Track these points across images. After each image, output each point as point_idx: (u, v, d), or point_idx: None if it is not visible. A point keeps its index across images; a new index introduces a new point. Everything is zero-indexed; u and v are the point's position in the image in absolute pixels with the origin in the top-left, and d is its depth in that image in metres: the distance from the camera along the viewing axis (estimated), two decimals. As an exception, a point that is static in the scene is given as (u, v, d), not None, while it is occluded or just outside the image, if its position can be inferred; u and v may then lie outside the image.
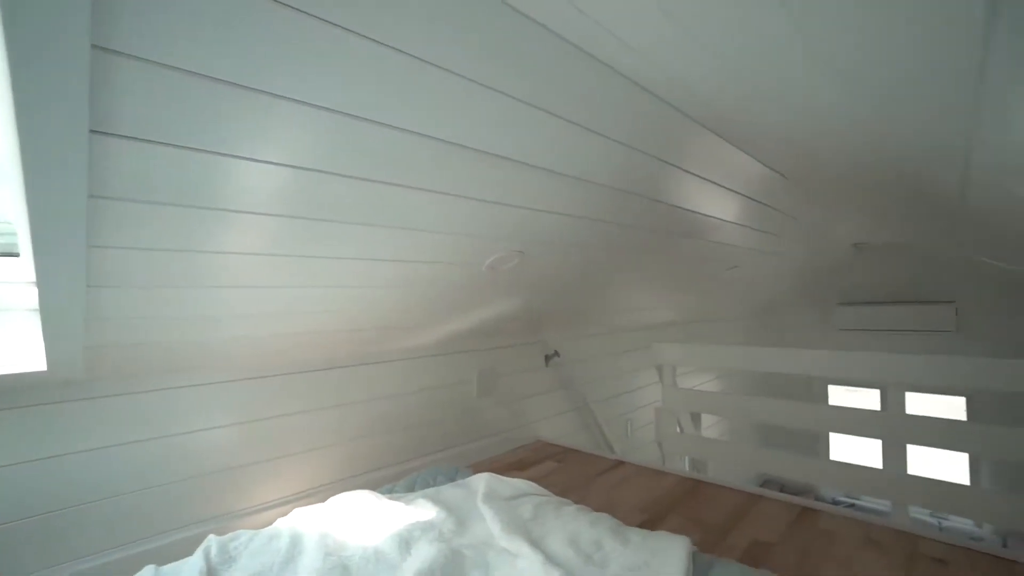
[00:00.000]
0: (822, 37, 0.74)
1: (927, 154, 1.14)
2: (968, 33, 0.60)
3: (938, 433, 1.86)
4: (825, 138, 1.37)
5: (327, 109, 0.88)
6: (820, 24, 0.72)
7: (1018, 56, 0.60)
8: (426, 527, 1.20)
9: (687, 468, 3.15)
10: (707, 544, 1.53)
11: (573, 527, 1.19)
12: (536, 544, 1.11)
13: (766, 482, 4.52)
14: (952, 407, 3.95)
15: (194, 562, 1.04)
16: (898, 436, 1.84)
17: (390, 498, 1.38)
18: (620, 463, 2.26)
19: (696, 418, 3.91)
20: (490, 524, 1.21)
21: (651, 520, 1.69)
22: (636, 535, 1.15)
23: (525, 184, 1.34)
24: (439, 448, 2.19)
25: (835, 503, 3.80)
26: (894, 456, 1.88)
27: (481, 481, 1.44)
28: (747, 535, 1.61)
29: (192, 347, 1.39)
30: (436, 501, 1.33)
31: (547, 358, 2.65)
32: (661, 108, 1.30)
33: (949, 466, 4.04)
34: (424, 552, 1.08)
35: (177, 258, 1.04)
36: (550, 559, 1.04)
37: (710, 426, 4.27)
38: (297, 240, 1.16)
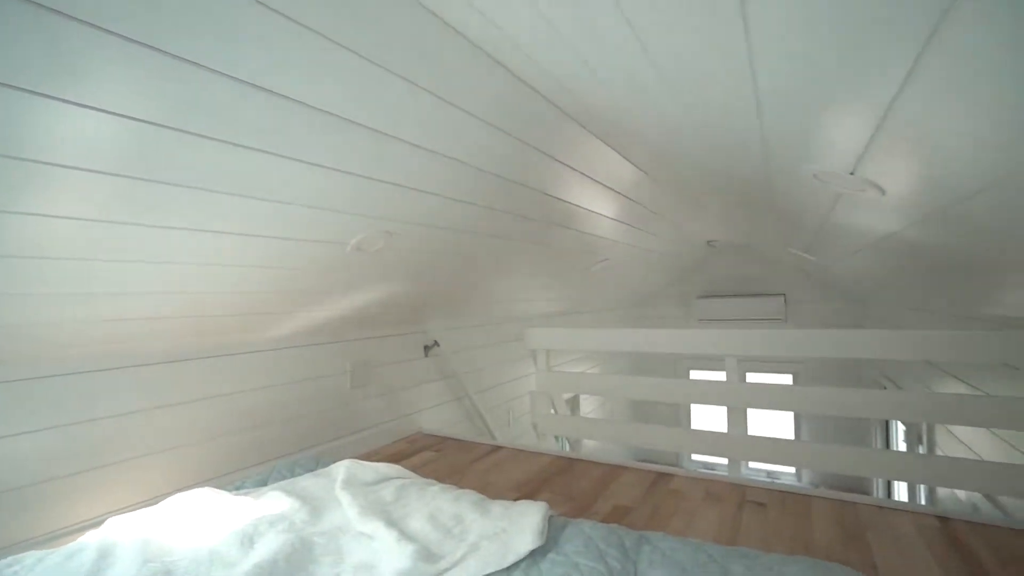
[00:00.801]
0: (657, 41, 0.81)
1: (738, 151, 1.30)
2: (732, 32, 0.69)
3: (769, 396, 2.15)
4: (673, 140, 1.50)
5: (175, 56, 0.77)
6: (650, 25, 0.78)
7: (779, 48, 0.71)
8: (275, 520, 1.10)
9: (567, 448, 3.31)
10: (574, 512, 1.61)
11: (435, 505, 1.17)
12: (394, 524, 1.07)
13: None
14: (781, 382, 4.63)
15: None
16: (740, 402, 2.09)
17: (237, 494, 1.25)
18: (498, 448, 2.29)
19: (574, 402, 4.12)
20: (347, 510, 1.14)
21: (523, 497, 1.73)
22: (498, 507, 1.17)
23: (395, 159, 1.30)
24: (311, 444, 2.04)
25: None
26: (737, 420, 2.14)
27: (341, 468, 1.37)
28: (610, 502, 1.72)
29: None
30: (290, 492, 1.23)
31: (427, 348, 2.60)
32: (535, 99, 1.34)
33: (780, 427, 4.72)
34: (268, 545, 0.99)
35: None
36: (405, 536, 1.01)
37: (592, 410, 4.54)
38: (130, 205, 0.99)
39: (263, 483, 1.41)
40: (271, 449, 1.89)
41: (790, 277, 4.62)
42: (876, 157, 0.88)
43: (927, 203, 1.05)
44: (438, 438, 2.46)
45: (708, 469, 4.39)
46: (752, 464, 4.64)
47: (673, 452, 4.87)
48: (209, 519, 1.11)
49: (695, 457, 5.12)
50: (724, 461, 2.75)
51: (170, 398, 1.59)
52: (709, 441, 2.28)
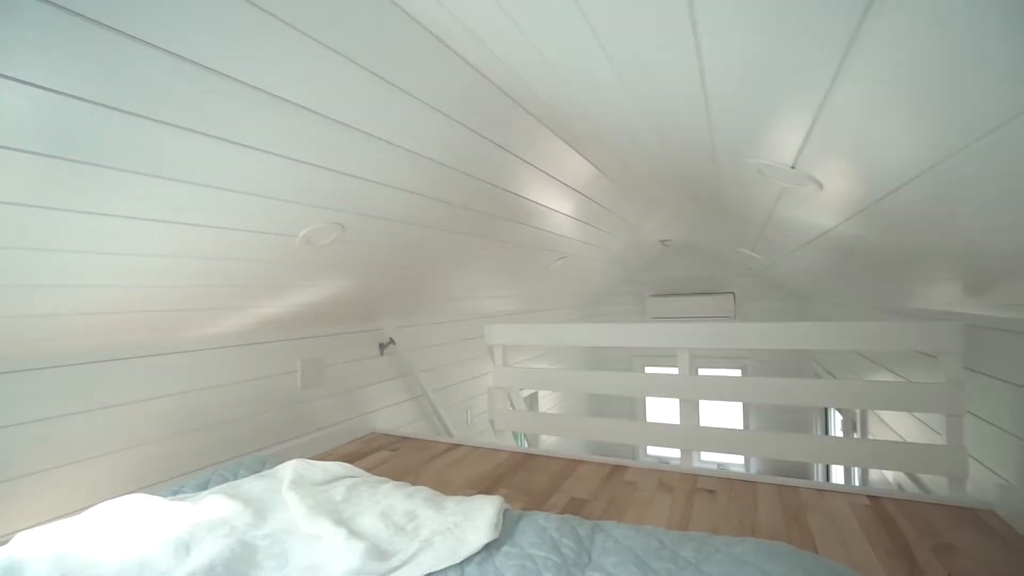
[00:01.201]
0: (613, 38, 0.82)
1: (689, 146, 1.33)
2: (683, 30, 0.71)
3: (719, 388, 2.23)
4: (628, 138, 1.52)
5: (110, 28, 0.71)
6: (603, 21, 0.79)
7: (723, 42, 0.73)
8: (215, 524, 1.04)
9: (524, 444, 3.31)
10: (531, 506, 1.61)
11: (387, 503, 1.14)
12: (343, 523, 1.03)
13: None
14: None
15: None
16: (691, 394, 2.15)
17: (173, 500, 1.17)
18: (455, 446, 2.26)
19: (533, 400, 4.14)
20: (294, 511, 1.09)
21: (480, 493, 1.72)
22: (452, 502, 1.15)
23: (348, 148, 1.25)
24: (258, 447, 1.95)
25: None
26: (689, 412, 2.20)
27: (288, 468, 1.31)
28: (566, 495, 1.73)
29: None
30: (232, 495, 1.16)
31: (382, 346, 2.54)
32: (494, 93, 1.33)
33: (729, 419, 4.91)
34: (206, 551, 0.93)
35: None
36: (355, 534, 0.97)
37: (551, 407, 4.57)
38: (57, 188, 0.91)
39: (203, 487, 1.33)
40: (214, 453, 1.79)
41: (739, 276, 4.82)
42: (813, 151, 0.93)
43: (859, 197, 1.12)
44: (394, 437, 2.41)
45: (663, 461, 4.53)
46: (704, 455, 4.80)
47: (629, 446, 4.99)
48: (139, 527, 1.03)
49: (650, 450, 5.26)
50: (678, 453, 2.88)
51: (101, 400, 1.48)
52: (663, 433, 2.34)
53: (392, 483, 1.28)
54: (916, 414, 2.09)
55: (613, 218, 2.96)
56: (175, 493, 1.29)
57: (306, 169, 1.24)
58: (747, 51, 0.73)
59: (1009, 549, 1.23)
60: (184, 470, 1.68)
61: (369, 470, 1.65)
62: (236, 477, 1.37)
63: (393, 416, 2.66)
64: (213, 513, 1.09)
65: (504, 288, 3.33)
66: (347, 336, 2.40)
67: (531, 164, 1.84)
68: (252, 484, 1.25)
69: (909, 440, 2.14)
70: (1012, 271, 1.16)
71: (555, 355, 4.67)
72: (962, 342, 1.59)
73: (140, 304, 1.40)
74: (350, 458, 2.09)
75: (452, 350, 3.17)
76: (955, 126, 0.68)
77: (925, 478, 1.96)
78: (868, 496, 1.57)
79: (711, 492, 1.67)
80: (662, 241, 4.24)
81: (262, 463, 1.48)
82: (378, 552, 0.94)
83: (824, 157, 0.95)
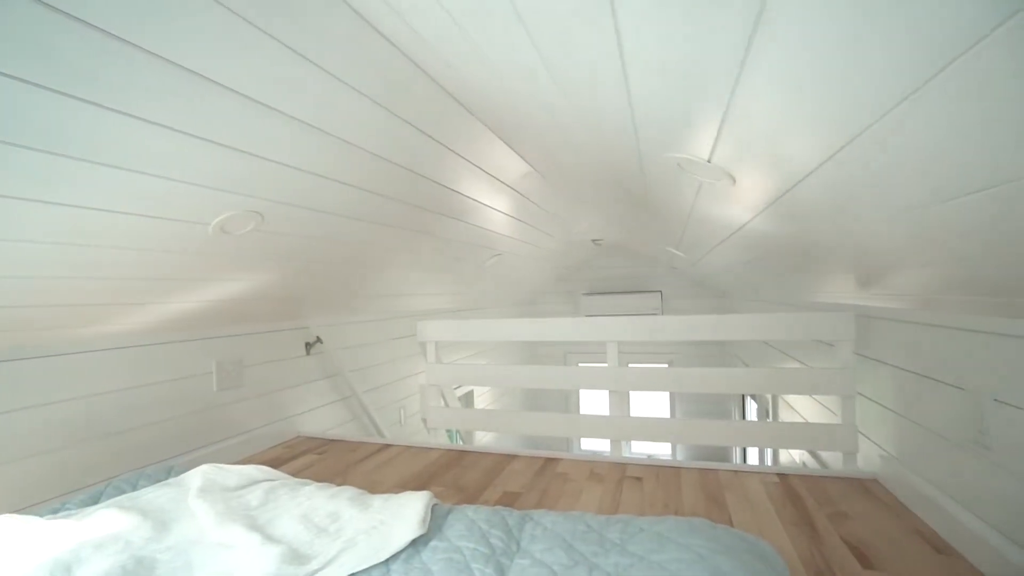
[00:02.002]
0: (543, 33, 0.82)
1: (615, 142, 1.38)
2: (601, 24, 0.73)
3: (646, 378, 2.32)
4: (559, 135, 1.54)
5: None
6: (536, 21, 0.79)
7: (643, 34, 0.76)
8: (104, 542, 0.93)
9: (459, 442, 3.28)
10: (464, 502, 1.59)
11: (309, 505, 1.08)
12: (258, 529, 0.96)
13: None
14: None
15: None
16: (621, 385, 2.22)
17: (54, 519, 1.04)
18: (386, 447, 2.20)
19: (469, 398, 4.12)
20: (203, 519, 1.00)
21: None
22: (378, 500, 1.11)
23: (268, 131, 1.17)
24: (168, 455, 1.78)
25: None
26: (619, 404, 2.27)
27: (197, 475, 1.20)
28: (499, 489, 1.72)
29: None
30: (128, 508, 1.05)
31: (308, 345, 2.42)
32: (428, 84, 1.30)
33: (657, 410, 5.15)
34: (92, 570, 0.83)
35: None
36: (271, 539, 0.91)
37: (487, 405, 4.56)
38: None
39: (94, 501, 1.19)
40: (115, 465, 1.61)
41: (666, 275, 5.07)
42: (726, 145, 0.99)
43: (768, 192, 1.21)
44: (321, 440, 2.30)
45: (596, 454, 4.68)
46: (635, 446, 5.00)
47: (564, 440, 5.09)
48: (12, 552, 0.90)
49: (584, 443, 5.40)
50: (610, 445, 2.99)
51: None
52: (594, 425, 2.40)
53: (315, 485, 1.22)
54: (816, 397, 2.29)
55: (546, 216, 3.01)
56: (56, 511, 1.14)
57: (219, 151, 1.15)
58: (663, 43, 0.76)
59: (891, 513, 1.38)
60: (80, 484, 1.50)
61: (294, 475, 1.56)
62: (135, 488, 1.24)
63: (321, 419, 2.53)
64: (103, 529, 0.97)
65: (438, 285, 3.29)
66: (269, 335, 2.26)
67: (463, 157, 1.82)
68: (154, 494, 1.13)
69: (811, 421, 2.35)
70: (893, 265, 1.30)
71: (491, 354, 4.67)
72: (853, 330, 1.76)
73: (30, 298, 1.24)
74: (273, 463, 1.97)
75: (384, 349, 3.08)
76: (842, 124, 0.74)
77: (824, 454, 2.15)
78: (777, 474, 1.69)
79: (639, 479, 1.73)
80: (594, 240, 4.37)
81: (167, 472, 1.35)
82: (296, 556, 0.88)
83: (735, 151, 1.02)
